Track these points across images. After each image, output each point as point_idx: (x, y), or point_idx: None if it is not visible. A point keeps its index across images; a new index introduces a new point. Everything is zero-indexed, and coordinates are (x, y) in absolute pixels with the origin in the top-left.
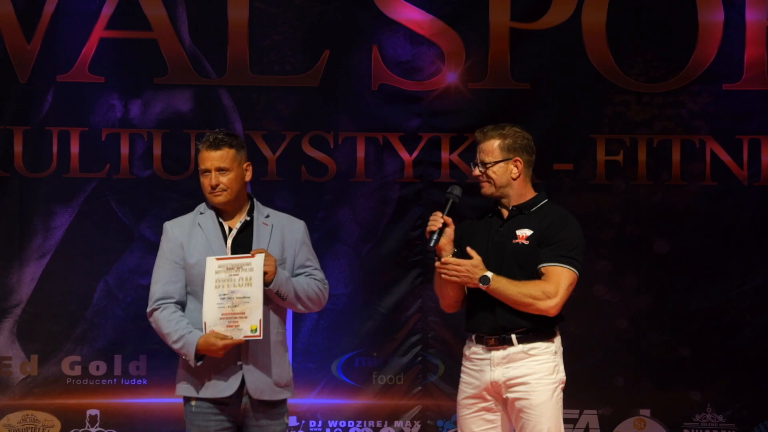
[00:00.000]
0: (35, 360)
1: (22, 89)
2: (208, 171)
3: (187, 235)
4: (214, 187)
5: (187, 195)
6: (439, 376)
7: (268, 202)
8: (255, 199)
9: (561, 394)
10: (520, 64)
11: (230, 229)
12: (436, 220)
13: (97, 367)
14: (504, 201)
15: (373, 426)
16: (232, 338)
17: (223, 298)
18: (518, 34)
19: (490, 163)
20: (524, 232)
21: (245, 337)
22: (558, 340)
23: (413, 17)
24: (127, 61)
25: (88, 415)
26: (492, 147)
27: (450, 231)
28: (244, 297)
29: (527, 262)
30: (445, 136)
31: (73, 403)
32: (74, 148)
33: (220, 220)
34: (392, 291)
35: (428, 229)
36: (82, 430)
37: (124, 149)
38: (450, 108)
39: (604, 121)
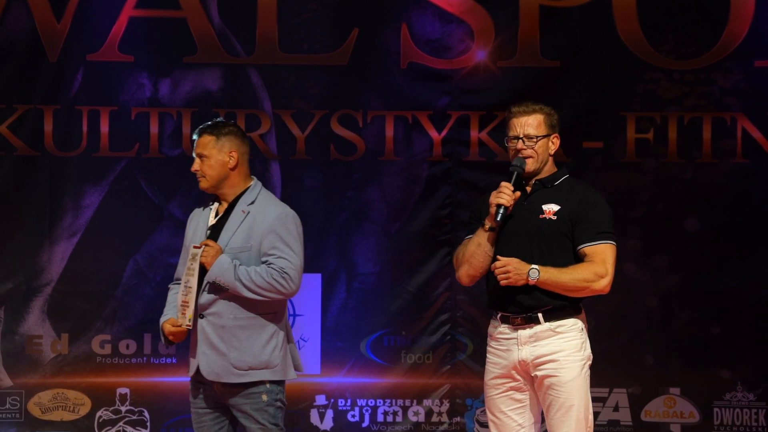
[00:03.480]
0: (66, 338)
1: (52, 68)
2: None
3: (196, 219)
4: (195, 173)
5: None
6: (468, 354)
7: (297, 181)
8: (253, 185)
9: (588, 371)
10: (550, 42)
11: (216, 215)
12: (507, 194)
13: (127, 346)
14: (527, 177)
15: (401, 404)
16: (181, 326)
17: (184, 286)
18: (548, 11)
19: (537, 137)
20: (551, 207)
21: (185, 326)
22: (583, 316)
23: None
24: (157, 40)
25: (118, 393)
26: (538, 121)
27: (510, 206)
28: (191, 287)
29: (555, 237)
30: (474, 114)
31: (103, 381)
32: (104, 128)
33: (217, 205)
34: (421, 270)
35: (497, 201)
36: (112, 408)
37: (154, 128)
38: (479, 86)
39: (634, 98)
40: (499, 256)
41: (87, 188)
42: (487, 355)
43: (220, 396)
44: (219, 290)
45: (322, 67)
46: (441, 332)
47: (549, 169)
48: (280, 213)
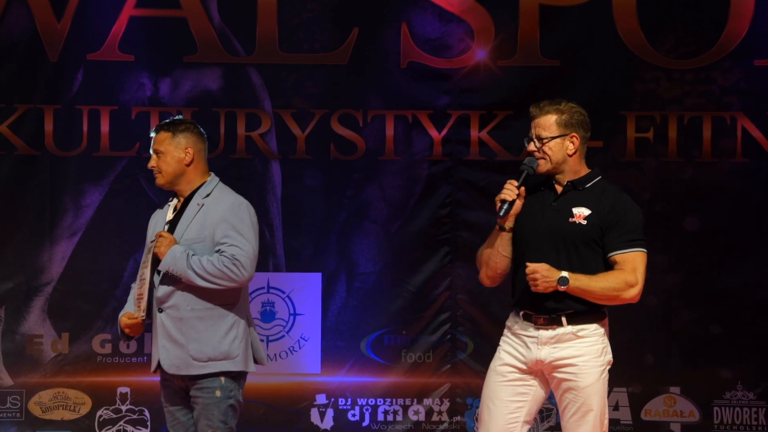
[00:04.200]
0: (66, 338)
1: (53, 68)
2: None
3: (156, 218)
4: (152, 170)
5: (216, 173)
6: (468, 353)
7: (297, 181)
8: (211, 179)
9: (607, 375)
10: (550, 41)
11: (174, 211)
12: (511, 189)
13: (128, 345)
14: (558, 177)
15: (402, 404)
16: (137, 318)
17: (139, 279)
18: (548, 10)
19: (546, 138)
20: (581, 211)
21: (140, 317)
22: (606, 321)
23: None
24: (157, 40)
25: (118, 392)
26: (549, 122)
27: (519, 204)
28: (145, 279)
29: (584, 243)
30: (474, 113)
31: (103, 380)
32: (104, 127)
33: (175, 201)
34: (421, 269)
35: (501, 197)
36: (113, 407)
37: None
38: (479, 85)
39: (634, 97)
40: (528, 263)
41: (87, 188)
42: (502, 343)
43: (183, 389)
44: (174, 282)
45: (322, 66)
46: (441, 331)
47: (578, 169)
48: (233, 202)
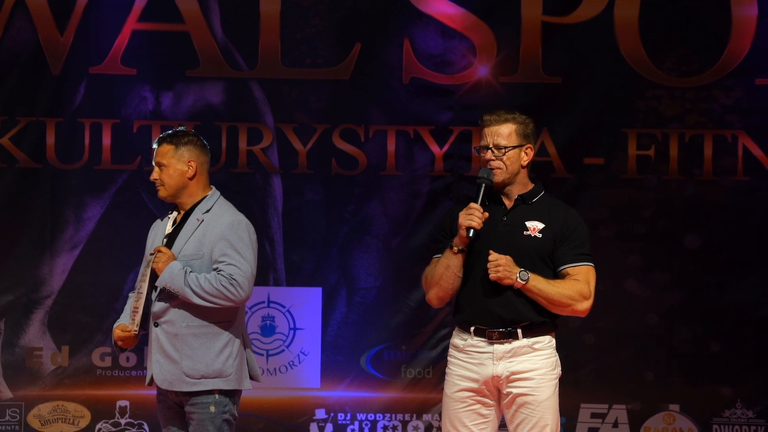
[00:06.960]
0: (66, 351)
1: (55, 81)
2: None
3: (156, 229)
4: (153, 182)
5: (217, 187)
6: None
7: (298, 195)
8: (212, 194)
9: (558, 389)
10: (552, 58)
11: (174, 224)
12: (477, 215)
13: (127, 359)
14: (507, 190)
15: (401, 419)
16: (130, 331)
17: (136, 292)
18: (550, 27)
19: (506, 147)
20: (535, 225)
21: (133, 331)
22: (554, 334)
23: (445, 11)
24: (159, 54)
25: (117, 406)
26: (510, 131)
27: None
28: (142, 293)
29: (539, 256)
30: (475, 129)
31: (103, 394)
32: (106, 140)
33: (175, 214)
34: (421, 285)
35: (467, 224)
36: (112, 420)
37: None
38: (481, 102)
39: (635, 115)
40: (491, 251)
41: (89, 201)
42: (451, 367)
43: (177, 404)
44: (171, 297)
45: (325, 81)
46: (441, 347)
47: (525, 183)
48: (232, 220)
